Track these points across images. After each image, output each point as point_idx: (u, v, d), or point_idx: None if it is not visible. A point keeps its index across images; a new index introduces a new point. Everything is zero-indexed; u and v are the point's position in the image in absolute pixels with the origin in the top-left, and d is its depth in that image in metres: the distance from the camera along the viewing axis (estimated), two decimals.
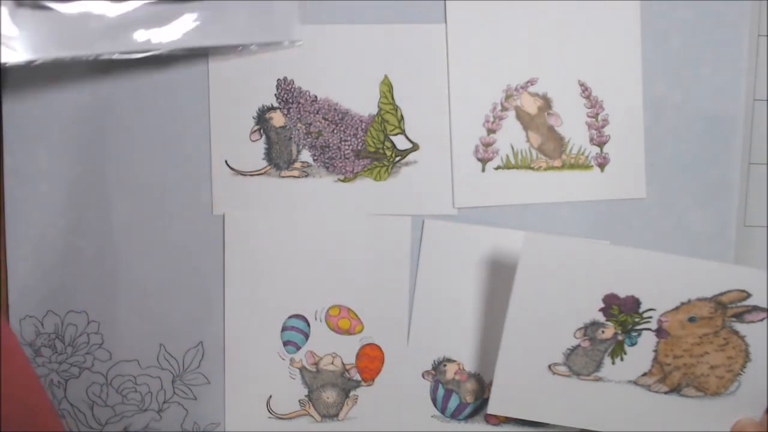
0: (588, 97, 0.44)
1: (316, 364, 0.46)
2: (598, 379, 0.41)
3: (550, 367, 0.41)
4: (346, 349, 0.46)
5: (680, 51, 0.44)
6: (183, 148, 0.43)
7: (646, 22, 0.43)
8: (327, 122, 0.43)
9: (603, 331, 0.40)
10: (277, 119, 0.43)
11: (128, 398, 0.46)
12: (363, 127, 0.43)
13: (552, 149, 0.44)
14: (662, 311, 0.39)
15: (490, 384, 0.47)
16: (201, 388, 0.46)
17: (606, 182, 0.45)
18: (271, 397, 0.47)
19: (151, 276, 0.44)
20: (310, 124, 0.43)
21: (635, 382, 0.41)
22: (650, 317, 0.39)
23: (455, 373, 0.47)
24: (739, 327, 0.39)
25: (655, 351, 0.40)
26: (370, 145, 0.44)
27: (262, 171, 0.44)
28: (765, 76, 0.45)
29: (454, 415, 0.47)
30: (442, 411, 0.47)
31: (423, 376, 0.47)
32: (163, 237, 0.44)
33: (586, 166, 0.45)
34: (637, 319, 0.39)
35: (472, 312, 0.46)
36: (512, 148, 0.44)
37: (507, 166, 0.44)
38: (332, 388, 0.47)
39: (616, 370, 0.41)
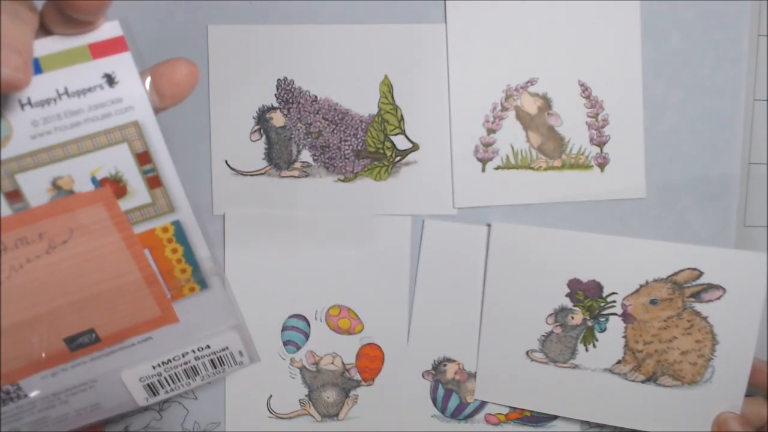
0: (588, 97, 0.44)
1: (317, 363, 0.46)
2: (575, 367, 0.42)
3: (528, 353, 0.42)
4: (346, 349, 0.46)
5: (680, 51, 0.44)
6: (183, 148, 0.43)
7: (646, 22, 0.43)
8: (327, 122, 0.43)
9: (572, 317, 0.41)
10: (277, 119, 0.43)
11: None
12: (363, 127, 0.43)
13: (552, 149, 0.44)
14: (624, 295, 0.40)
15: None
16: (201, 387, 0.46)
17: (606, 182, 0.45)
18: (271, 396, 0.47)
19: None
20: (310, 124, 0.43)
21: (611, 371, 0.42)
22: (614, 301, 0.41)
23: (455, 373, 0.47)
24: (700, 307, 0.40)
25: (625, 337, 0.41)
26: (370, 145, 0.44)
27: (262, 171, 0.44)
28: (765, 76, 0.45)
29: (454, 415, 0.47)
30: (442, 411, 0.47)
31: (423, 375, 0.47)
32: None
33: (586, 166, 0.45)
34: (602, 304, 0.40)
35: (472, 312, 0.46)
36: (512, 148, 0.44)
37: (507, 166, 0.44)
38: (332, 388, 0.47)
39: (590, 357, 0.42)
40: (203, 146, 0.43)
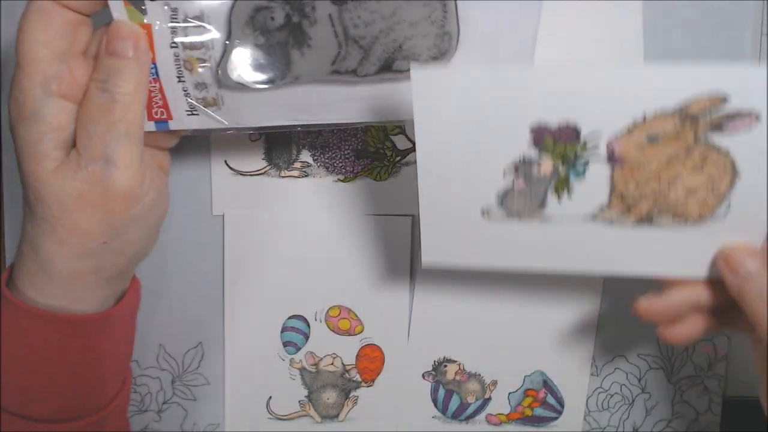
0: None
1: (316, 364, 0.46)
2: (544, 219, 0.33)
3: (482, 211, 0.34)
4: (346, 350, 0.46)
5: (682, 50, 0.44)
6: (183, 148, 0.43)
7: (648, 21, 0.43)
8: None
9: (539, 167, 0.32)
10: None
11: None
12: (363, 127, 0.43)
13: None
14: (610, 135, 0.31)
15: (491, 384, 0.47)
16: (201, 388, 0.46)
17: None
18: (270, 397, 0.46)
19: (151, 276, 0.44)
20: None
21: (593, 217, 0.33)
22: (596, 145, 0.31)
23: (456, 374, 0.47)
24: (719, 140, 0.31)
25: (611, 181, 0.32)
26: (370, 145, 0.44)
27: (262, 171, 0.44)
28: None
29: (455, 416, 0.47)
30: (443, 411, 0.47)
31: (423, 376, 0.47)
32: (162, 237, 0.44)
33: None
34: (579, 149, 0.31)
35: (472, 312, 0.46)
36: None
37: None
38: (332, 389, 0.46)
39: (565, 206, 0.33)
40: (203, 146, 0.43)
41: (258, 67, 0.32)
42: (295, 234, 0.44)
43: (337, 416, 0.47)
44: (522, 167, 0.32)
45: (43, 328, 0.32)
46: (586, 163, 0.32)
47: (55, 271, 0.32)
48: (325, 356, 0.46)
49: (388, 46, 0.32)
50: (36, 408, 0.34)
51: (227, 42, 0.31)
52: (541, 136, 0.31)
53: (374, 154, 0.44)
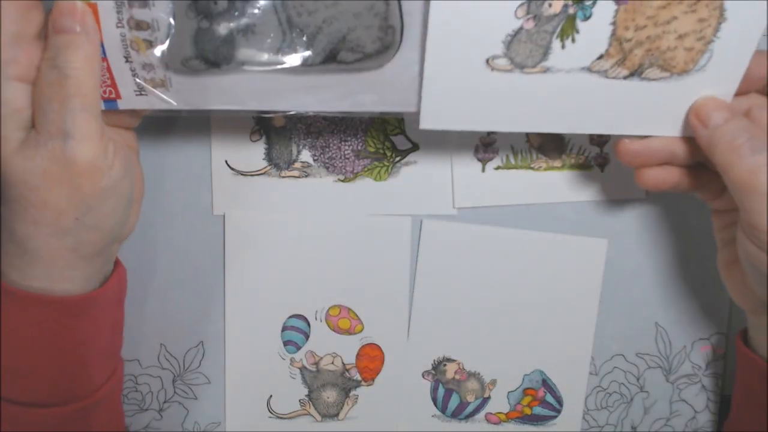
0: None
1: (317, 363, 0.46)
2: (546, 70, 0.35)
3: (488, 61, 0.34)
4: (346, 349, 0.46)
5: None
6: (183, 148, 0.43)
7: None
8: (327, 122, 0.43)
9: (550, 4, 0.33)
10: (277, 119, 0.43)
11: (129, 398, 0.46)
12: (363, 127, 0.43)
13: (552, 149, 0.44)
14: None
15: (491, 383, 0.47)
16: (201, 387, 0.46)
17: (606, 182, 0.45)
18: (271, 396, 0.47)
19: (152, 275, 0.44)
20: (310, 124, 0.43)
21: (589, 69, 0.35)
22: None
23: (455, 373, 0.47)
24: None
25: (614, 24, 0.34)
26: (370, 145, 0.44)
27: (262, 171, 0.44)
28: None
29: (455, 415, 0.48)
30: (443, 411, 0.47)
31: (423, 375, 0.47)
32: (163, 237, 0.44)
33: (586, 166, 0.45)
34: None
35: (471, 312, 0.46)
36: (512, 148, 0.44)
37: (507, 166, 0.44)
38: (332, 388, 0.47)
39: (566, 55, 0.34)
40: (203, 146, 0.43)
41: (202, 51, 0.31)
42: (296, 234, 0.44)
43: (337, 415, 0.47)
44: (534, 3, 0.33)
45: (26, 310, 0.33)
46: (594, 2, 0.33)
47: (34, 252, 0.32)
48: (325, 355, 0.46)
49: (333, 37, 0.32)
50: (21, 392, 0.34)
51: (171, 24, 0.31)
52: None
53: (374, 154, 0.44)
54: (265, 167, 0.44)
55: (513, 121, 0.36)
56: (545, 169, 0.44)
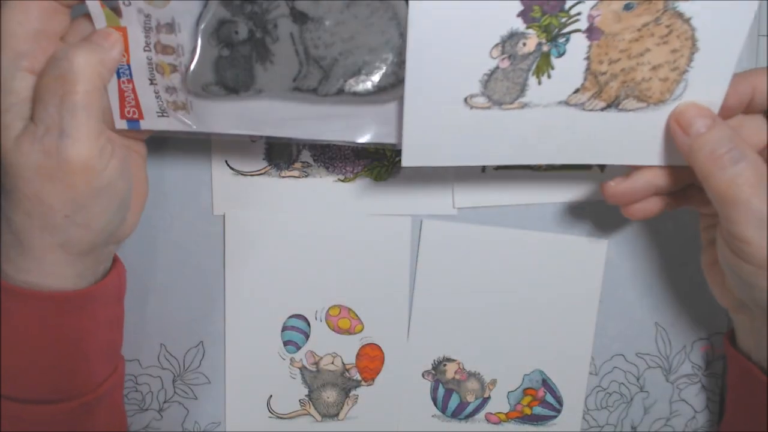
0: None
1: (317, 363, 0.46)
2: (524, 106, 0.35)
3: (466, 100, 0.35)
4: (346, 349, 0.46)
5: None
6: (184, 148, 0.43)
7: None
8: None
9: (524, 43, 0.33)
10: None
11: (129, 398, 0.46)
12: None
13: None
14: (592, 4, 0.33)
15: (491, 383, 0.47)
16: (202, 387, 0.46)
17: None
18: (271, 396, 0.47)
19: (152, 275, 0.44)
20: None
21: (567, 102, 0.35)
22: (579, 13, 0.33)
23: (455, 373, 0.47)
24: (685, 7, 0.33)
25: (588, 59, 0.34)
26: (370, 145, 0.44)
27: (263, 171, 0.44)
28: None
29: (455, 415, 0.48)
30: (443, 410, 0.48)
31: (423, 375, 0.47)
32: (163, 237, 0.44)
33: (586, 167, 0.45)
34: (563, 19, 0.33)
35: (471, 312, 0.46)
36: None
37: (507, 166, 0.44)
38: (332, 388, 0.47)
39: (543, 90, 0.35)
40: (203, 146, 0.43)
41: (222, 77, 0.33)
42: (296, 234, 0.44)
43: (337, 415, 0.47)
44: (508, 43, 0.33)
45: (23, 306, 0.33)
46: (567, 40, 0.33)
47: (27, 245, 0.32)
48: (325, 355, 0.46)
49: (348, 69, 0.33)
50: (20, 389, 0.34)
51: (195, 51, 0.32)
52: (530, 5, 0.32)
53: (374, 154, 0.44)
54: (265, 167, 0.44)
55: (494, 155, 0.37)
56: (545, 169, 0.44)
